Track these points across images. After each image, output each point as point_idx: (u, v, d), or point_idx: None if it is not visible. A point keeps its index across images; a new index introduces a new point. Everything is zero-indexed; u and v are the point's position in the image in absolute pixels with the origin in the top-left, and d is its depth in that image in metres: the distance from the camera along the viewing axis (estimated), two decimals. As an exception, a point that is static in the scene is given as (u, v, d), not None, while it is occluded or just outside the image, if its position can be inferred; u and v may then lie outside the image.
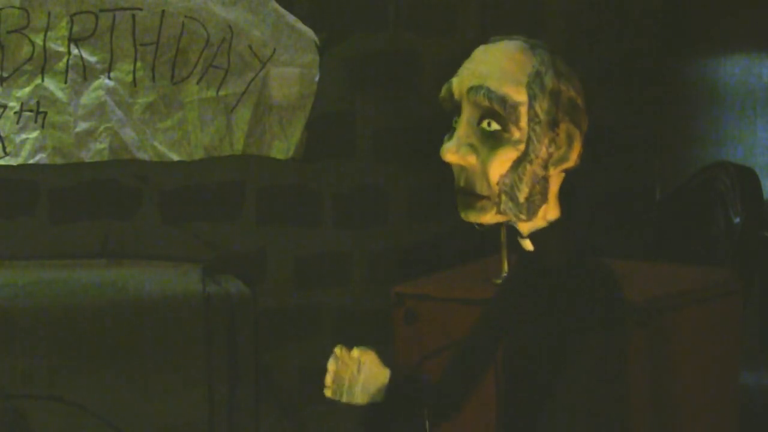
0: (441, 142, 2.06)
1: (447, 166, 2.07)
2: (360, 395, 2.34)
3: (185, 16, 3.90)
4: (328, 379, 2.33)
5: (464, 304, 3.32)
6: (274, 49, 3.99)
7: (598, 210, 4.42)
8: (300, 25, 4.02)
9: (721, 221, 4.09)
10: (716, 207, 4.10)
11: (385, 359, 2.35)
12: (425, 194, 4.20)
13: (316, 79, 4.04)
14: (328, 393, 2.34)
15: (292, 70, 4.02)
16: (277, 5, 3.99)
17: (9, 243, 3.91)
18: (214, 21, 3.93)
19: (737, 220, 4.03)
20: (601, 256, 2.13)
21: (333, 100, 4.12)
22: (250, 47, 3.97)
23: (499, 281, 3.47)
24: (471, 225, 2.10)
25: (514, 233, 3.04)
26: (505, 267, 3.48)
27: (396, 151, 4.19)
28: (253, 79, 3.98)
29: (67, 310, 3.65)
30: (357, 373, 2.33)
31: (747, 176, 4.15)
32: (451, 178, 2.09)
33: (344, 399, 2.34)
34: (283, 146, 4.04)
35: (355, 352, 2.33)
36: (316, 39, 4.03)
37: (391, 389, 2.34)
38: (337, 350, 2.33)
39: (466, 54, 2.09)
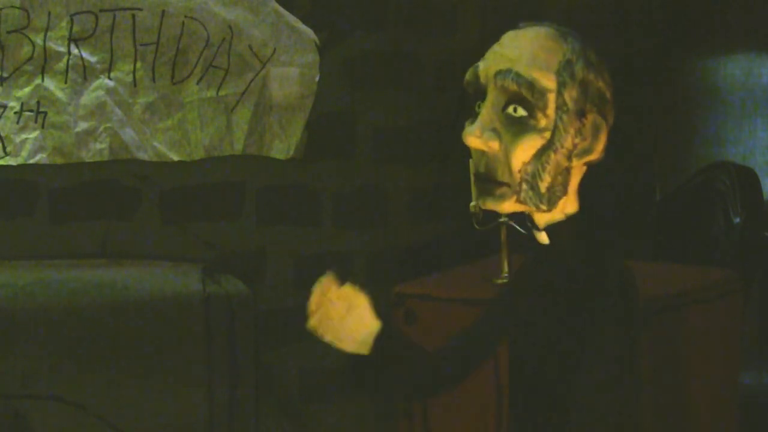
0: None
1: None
2: (346, 341, 2.17)
3: (185, 16, 3.90)
4: (312, 304, 2.13)
5: (464, 304, 3.32)
6: (274, 49, 3.99)
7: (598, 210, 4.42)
8: (300, 25, 4.02)
9: (721, 221, 4.10)
10: (716, 207, 4.10)
11: (377, 310, 2.17)
12: (425, 194, 4.20)
13: (316, 79, 4.04)
14: (312, 323, 2.14)
15: (292, 70, 4.02)
16: (277, 5, 3.99)
17: (9, 243, 3.91)
18: (214, 21, 3.93)
19: (737, 220, 4.04)
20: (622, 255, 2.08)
21: (333, 100, 4.12)
22: (250, 47, 3.97)
23: (499, 281, 3.47)
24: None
25: (514, 233, 3.03)
26: (505, 267, 3.48)
27: (396, 151, 4.19)
28: (253, 79, 3.98)
29: (67, 310, 3.64)
30: (346, 315, 2.15)
31: (747, 176, 4.16)
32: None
33: (328, 338, 2.16)
34: (283, 146, 4.04)
35: (348, 290, 2.15)
36: (316, 39, 4.03)
37: (379, 344, 2.17)
38: (325, 281, 2.14)
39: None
